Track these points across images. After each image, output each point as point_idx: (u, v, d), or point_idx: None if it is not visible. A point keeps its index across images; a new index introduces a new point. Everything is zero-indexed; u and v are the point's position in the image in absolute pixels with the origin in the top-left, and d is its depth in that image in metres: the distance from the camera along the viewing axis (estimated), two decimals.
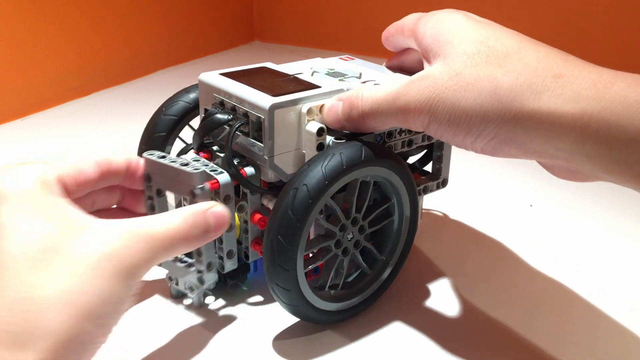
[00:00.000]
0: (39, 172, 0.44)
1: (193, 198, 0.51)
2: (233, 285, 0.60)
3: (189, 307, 0.58)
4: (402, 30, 0.56)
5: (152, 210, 0.55)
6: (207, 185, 0.51)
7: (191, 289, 0.57)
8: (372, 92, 0.50)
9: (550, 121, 0.42)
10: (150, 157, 0.53)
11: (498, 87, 0.43)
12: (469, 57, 0.46)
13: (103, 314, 0.39)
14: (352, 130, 0.53)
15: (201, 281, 0.54)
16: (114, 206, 0.55)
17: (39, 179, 0.43)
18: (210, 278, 0.54)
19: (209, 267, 0.53)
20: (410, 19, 0.55)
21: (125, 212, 0.56)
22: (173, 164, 0.52)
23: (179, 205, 0.60)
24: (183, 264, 0.55)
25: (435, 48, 0.48)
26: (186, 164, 0.52)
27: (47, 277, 0.38)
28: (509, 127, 0.44)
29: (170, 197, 0.61)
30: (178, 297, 0.60)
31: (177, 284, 0.58)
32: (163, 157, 0.53)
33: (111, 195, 0.54)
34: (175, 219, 0.45)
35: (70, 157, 0.50)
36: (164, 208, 0.56)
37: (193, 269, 0.54)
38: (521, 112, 0.43)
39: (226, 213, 0.48)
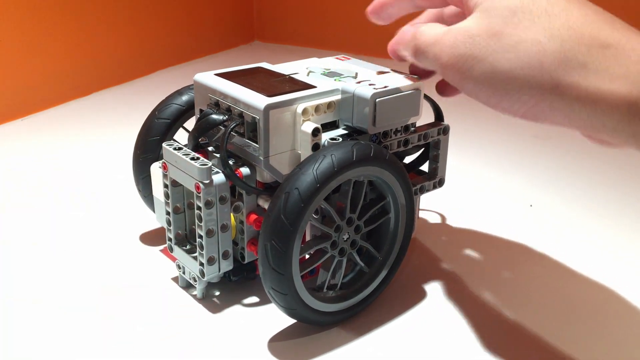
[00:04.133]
0: None
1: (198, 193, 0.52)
2: (237, 281, 0.60)
3: (188, 307, 0.58)
4: None
5: (167, 197, 0.57)
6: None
7: (194, 280, 0.58)
8: (429, 27, 0.48)
9: (594, 98, 0.40)
10: (168, 147, 0.55)
11: (541, 52, 0.41)
12: (511, 12, 0.43)
13: None
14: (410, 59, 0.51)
15: (202, 274, 0.55)
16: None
17: None
18: (210, 272, 0.55)
19: (210, 261, 0.55)
20: None
21: None
22: (185, 157, 0.53)
23: (177, 208, 0.60)
24: (191, 255, 0.57)
25: None
26: (197, 159, 0.53)
27: None
28: (550, 97, 0.41)
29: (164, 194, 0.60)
30: (185, 287, 0.61)
31: (184, 272, 0.59)
32: (179, 148, 0.55)
33: None
34: None
35: None
36: (178, 199, 0.57)
37: (197, 261, 0.56)
38: (564, 83, 0.40)
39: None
